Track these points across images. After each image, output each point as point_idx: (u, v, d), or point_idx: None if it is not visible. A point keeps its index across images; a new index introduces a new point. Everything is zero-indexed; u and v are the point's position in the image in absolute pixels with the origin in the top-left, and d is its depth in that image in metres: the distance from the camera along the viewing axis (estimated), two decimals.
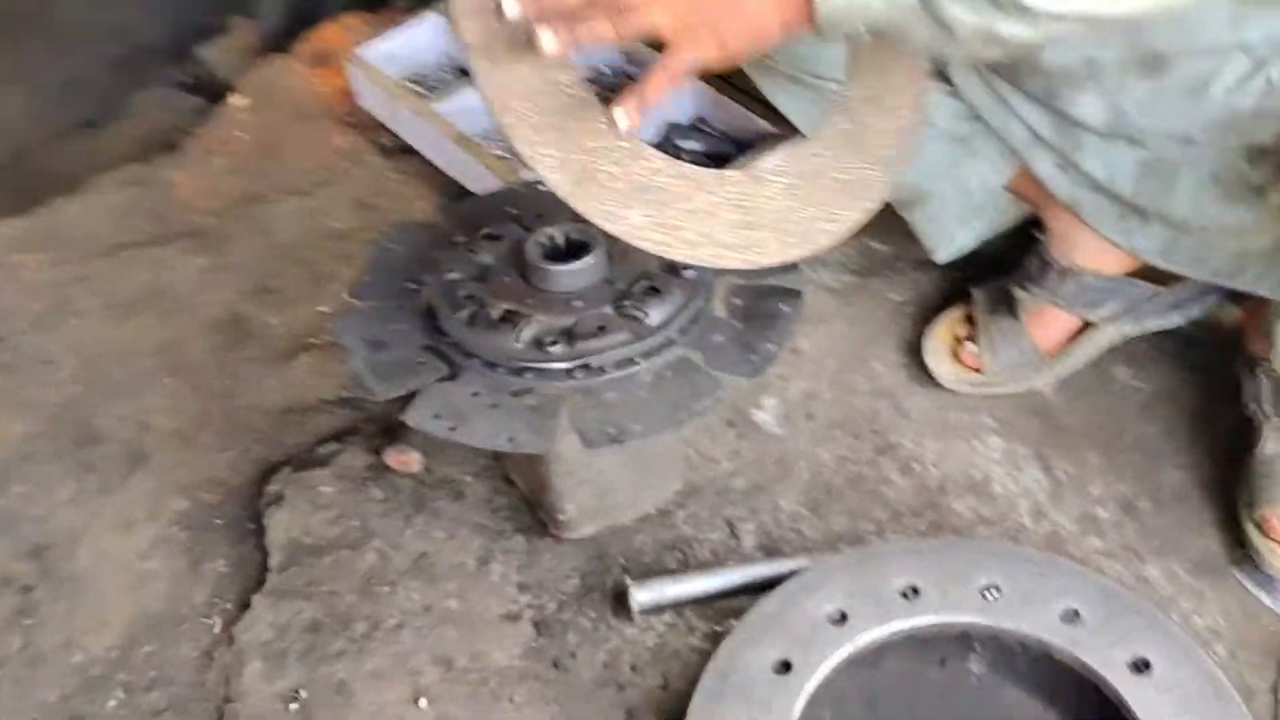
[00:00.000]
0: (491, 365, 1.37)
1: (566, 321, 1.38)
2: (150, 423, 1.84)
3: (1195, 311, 1.66)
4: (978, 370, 1.70)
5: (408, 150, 2.23)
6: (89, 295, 2.04)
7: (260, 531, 1.67)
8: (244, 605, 1.58)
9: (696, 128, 2.13)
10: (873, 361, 1.78)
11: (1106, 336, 1.68)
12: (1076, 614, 1.36)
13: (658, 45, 1.17)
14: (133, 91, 3.00)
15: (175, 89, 2.97)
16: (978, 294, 1.74)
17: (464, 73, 2.33)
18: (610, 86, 2.25)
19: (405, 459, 1.69)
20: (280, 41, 2.73)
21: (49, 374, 1.92)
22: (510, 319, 1.37)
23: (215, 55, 2.83)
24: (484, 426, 1.33)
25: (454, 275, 1.45)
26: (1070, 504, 1.59)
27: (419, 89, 2.27)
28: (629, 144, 1.24)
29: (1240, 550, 1.51)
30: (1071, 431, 1.66)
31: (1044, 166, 1.52)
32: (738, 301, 1.47)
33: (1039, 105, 1.48)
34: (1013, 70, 1.47)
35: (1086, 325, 1.68)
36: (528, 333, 1.36)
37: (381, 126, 2.26)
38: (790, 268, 1.44)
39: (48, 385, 1.90)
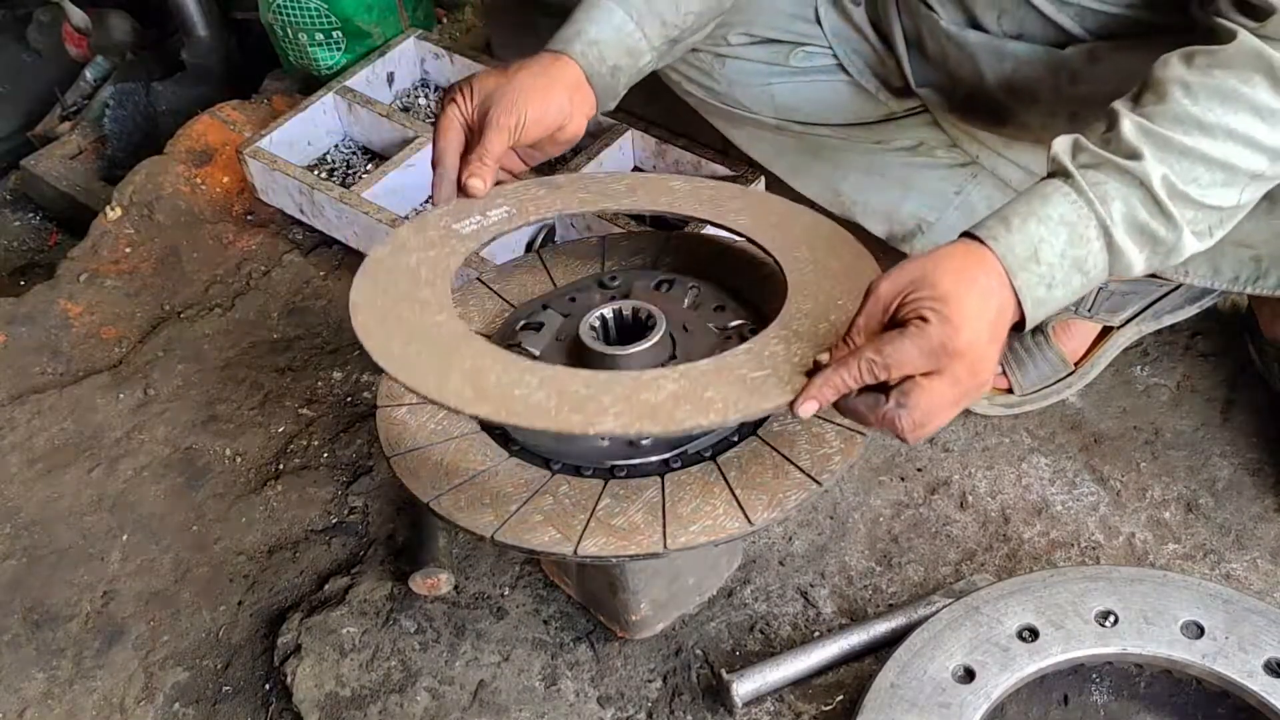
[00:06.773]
0: (577, 469, 1.24)
1: None
2: (116, 589, 1.63)
3: (1209, 302, 1.66)
4: (1008, 390, 1.65)
5: (328, 242, 2.06)
6: (5, 451, 1.80)
7: (284, 691, 1.48)
8: None
9: None
10: None
11: (1125, 337, 1.66)
12: (1199, 627, 1.33)
13: None
14: None
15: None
16: None
17: (369, 153, 2.18)
18: None
19: (433, 581, 1.53)
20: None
21: None
22: None
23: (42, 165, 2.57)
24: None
25: None
26: (1135, 512, 1.56)
27: (329, 176, 2.11)
28: None
29: None
30: (1111, 438, 1.63)
31: None
32: None
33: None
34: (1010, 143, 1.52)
35: (1105, 330, 1.66)
36: None
37: (294, 222, 2.08)
38: None
39: None
